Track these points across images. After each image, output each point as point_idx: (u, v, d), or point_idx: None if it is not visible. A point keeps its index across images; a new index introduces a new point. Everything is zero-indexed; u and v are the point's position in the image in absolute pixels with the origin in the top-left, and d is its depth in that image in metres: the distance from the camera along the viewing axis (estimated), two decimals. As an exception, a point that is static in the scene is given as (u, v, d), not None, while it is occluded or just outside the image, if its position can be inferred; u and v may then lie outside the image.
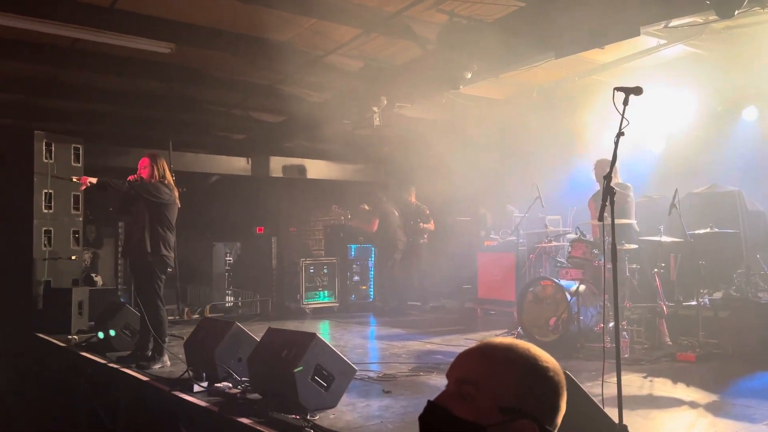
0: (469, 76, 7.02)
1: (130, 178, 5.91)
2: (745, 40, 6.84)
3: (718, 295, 6.71)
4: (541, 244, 7.48)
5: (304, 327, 8.28)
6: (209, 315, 9.40)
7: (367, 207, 10.80)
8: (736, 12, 4.92)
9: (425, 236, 10.16)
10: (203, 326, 5.57)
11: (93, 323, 7.24)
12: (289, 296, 10.20)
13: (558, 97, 9.18)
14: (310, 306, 9.94)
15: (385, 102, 8.09)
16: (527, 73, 8.07)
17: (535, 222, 8.22)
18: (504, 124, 9.93)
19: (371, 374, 5.32)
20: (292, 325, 7.79)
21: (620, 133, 3.46)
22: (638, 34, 5.70)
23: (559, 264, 7.02)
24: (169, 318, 8.71)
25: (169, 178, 6.06)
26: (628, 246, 6.20)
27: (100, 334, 6.57)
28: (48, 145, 8.19)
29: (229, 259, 11.87)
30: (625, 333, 5.92)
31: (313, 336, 4.37)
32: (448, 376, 1.31)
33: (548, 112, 9.21)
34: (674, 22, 5.96)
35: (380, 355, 6.49)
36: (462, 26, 6.58)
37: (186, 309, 9.46)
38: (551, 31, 6.06)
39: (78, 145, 8.51)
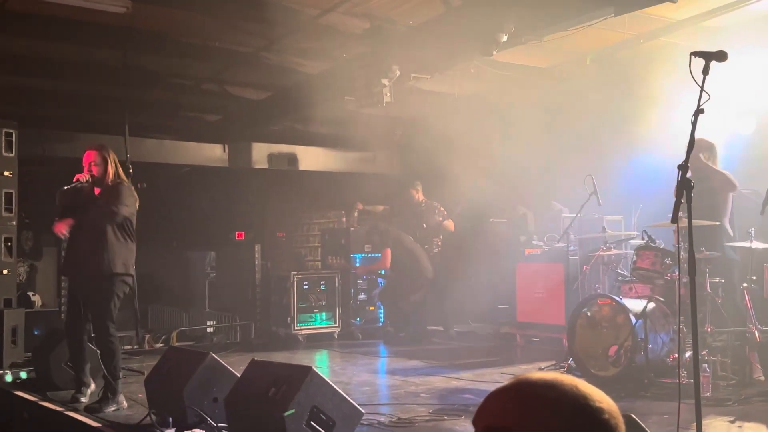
0: (505, 38, 7.01)
1: (78, 177, 5.92)
2: None
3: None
4: (597, 253, 7.45)
5: (297, 358, 8.31)
6: (176, 344, 9.43)
7: (360, 206, 10.85)
8: None
9: (438, 243, 10.15)
10: (169, 358, 5.61)
11: (30, 355, 7.28)
12: (277, 319, 10.22)
13: (618, 65, 9.14)
14: (303, 332, 9.96)
15: (398, 73, 8.08)
16: (579, 35, 8.03)
17: (590, 224, 8.19)
18: (549, 99, 9.89)
19: (382, 418, 5.32)
20: (281, 357, 7.82)
21: (699, 110, 3.45)
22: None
23: (620, 278, 6.99)
24: (126, 347, 8.80)
25: (122, 175, 6.10)
26: (708, 254, 6.15)
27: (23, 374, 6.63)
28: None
29: (210, 272, 11.94)
30: (706, 366, 5.88)
31: (307, 370, 4.38)
32: (474, 423, 1.31)
33: (605, 85, 9.17)
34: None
35: (393, 394, 6.51)
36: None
37: (147, 336, 9.51)
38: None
39: (11, 130, 8.55)
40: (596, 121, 9.33)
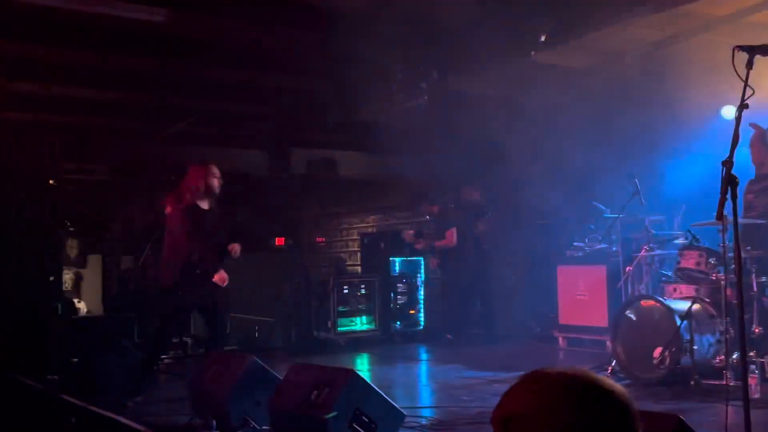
0: (544, 38, 6.99)
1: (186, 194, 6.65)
2: None
3: None
4: (640, 253, 7.36)
5: (338, 362, 8.33)
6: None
7: (411, 232, 10.76)
8: None
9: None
10: (212, 361, 5.65)
11: (76, 360, 7.42)
12: (317, 323, 10.27)
13: (658, 63, 9.03)
14: (344, 335, 9.99)
15: (436, 75, 8.11)
16: (617, 33, 7.97)
17: (633, 224, 8.09)
18: (587, 100, 9.81)
19: (424, 421, 5.33)
20: (322, 360, 7.86)
21: (743, 105, 3.40)
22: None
23: (664, 278, 6.91)
24: (170, 352, 8.92)
25: None
26: (754, 253, 6.05)
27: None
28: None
29: (251, 278, 12.01)
30: (753, 367, 5.77)
31: (349, 372, 4.40)
32: (492, 419, 1.37)
33: (645, 84, 9.07)
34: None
35: (435, 397, 6.52)
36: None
37: (189, 341, 9.61)
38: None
39: (53, 140, 8.72)
40: (636, 120, 9.23)
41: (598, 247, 8.62)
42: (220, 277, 6.55)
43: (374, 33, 8.04)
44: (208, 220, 6.66)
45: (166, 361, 8.72)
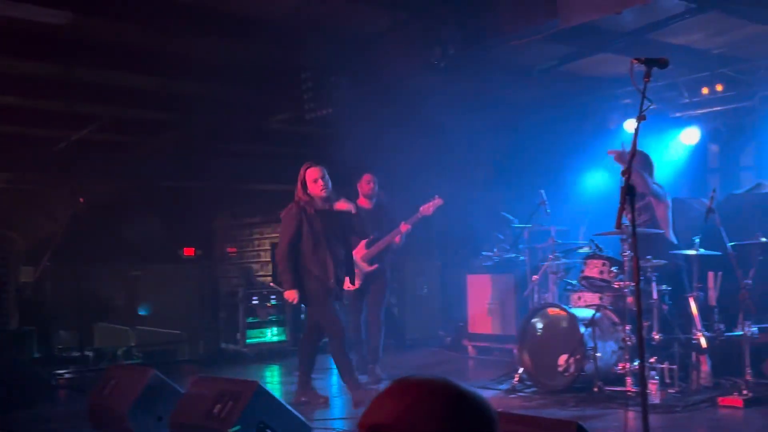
0: (449, 52, 7.05)
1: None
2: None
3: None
4: (546, 263, 7.48)
5: (246, 374, 8.18)
6: (123, 362, 9.22)
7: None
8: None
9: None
10: (111, 376, 5.46)
11: None
12: (226, 335, 10.07)
13: (565, 77, 9.25)
14: (253, 347, 9.82)
15: (346, 84, 8.10)
16: (526, 47, 8.12)
17: (540, 234, 8.23)
18: (496, 111, 9.98)
19: (332, 433, 5.26)
20: (230, 373, 7.70)
21: (641, 117, 3.47)
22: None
23: (569, 287, 7.03)
24: (72, 367, 8.59)
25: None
26: (654, 262, 6.22)
27: None
28: None
29: (158, 289, 11.70)
30: (654, 373, 5.92)
31: (254, 385, 4.30)
32: (359, 425, 1.38)
33: (552, 96, 9.28)
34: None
35: (346, 408, 6.43)
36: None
37: (91, 355, 9.29)
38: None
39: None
40: (544, 132, 9.44)
41: (507, 256, 8.74)
42: None
43: (284, 40, 7.98)
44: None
45: (66, 375, 8.40)
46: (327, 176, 6.57)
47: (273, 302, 10.03)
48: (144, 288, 12.18)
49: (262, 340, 9.92)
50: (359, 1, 7.24)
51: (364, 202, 7.73)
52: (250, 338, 9.82)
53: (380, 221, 7.77)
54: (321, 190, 6.48)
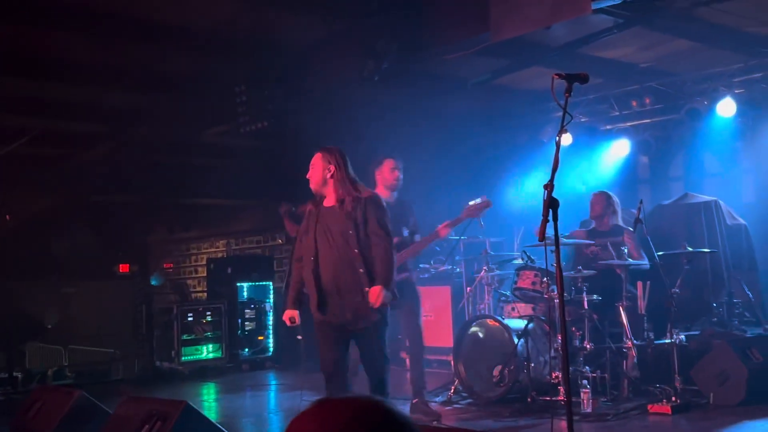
0: (384, 63, 7.09)
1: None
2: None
3: (696, 330, 6.95)
4: (481, 274, 7.55)
5: (181, 393, 8.05)
6: (53, 383, 8.97)
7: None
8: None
9: None
10: (37, 398, 5.32)
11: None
12: (160, 353, 9.88)
13: (499, 90, 9.37)
14: (188, 365, 9.66)
15: (282, 96, 8.07)
16: (461, 60, 8.21)
17: (476, 246, 8.30)
18: (432, 123, 10.06)
19: (264, 451, 5.20)
20: (165, 392, 7.56)
21: (562, 131, 3.52)
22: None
23: (503, 298, 7.09)
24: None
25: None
26: (585, 273, 6.33)
27: None
28: None
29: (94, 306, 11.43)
30: (585, 381, 6.01)
31: (181, 404, 4.23)
32: None
33: (487, 109, 9.39)
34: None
35: (283, 425, 6.37)
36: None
37: (19, 376, 9.03)
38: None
39: None
40: (478, 145, 9.54)
41: (443, 268, 8.78)
42: None
43: (219, 51, 7.92)
44: None
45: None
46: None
47: (209, 319, 9.90)
48: (77, 305, 11.91)
49: (198, 357, 9.77)
50: (294, 13, 7.23)
51: (384, 194, 6.18)
52: (186, 356, 9.65)
53: (405, 219, 6.64)
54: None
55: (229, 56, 8.11)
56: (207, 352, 9.83)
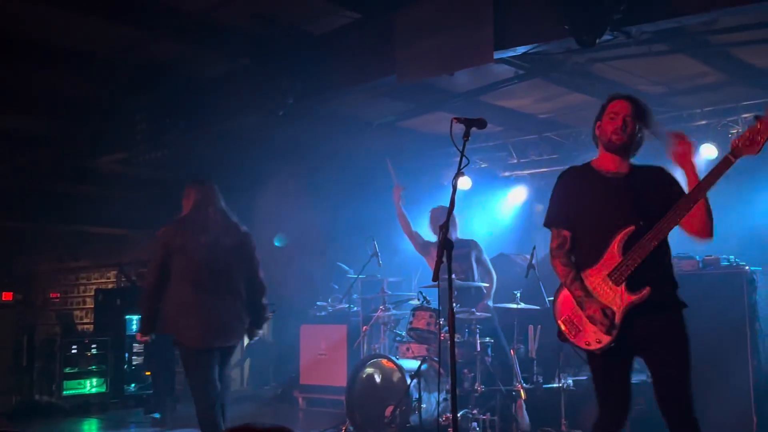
0: (291, 100, 7.11)
1: None
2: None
3: (584, 375, 7.12)
4: (377, 313, 7.57)
5: (61, 429, 7.75)
6: None
7: None
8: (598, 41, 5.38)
9: None
10: None
11: None
12: (41, 386, 9.43)
13: (401, 133, 9.53)
14: (70, 399, 9.23)
15: (182, 126, 7.98)
16: (365, 102, 8.33)
17: (373, 285, 8.33)
18: (333, 165, 10.13)
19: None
20: (43, 428, 7.23)
21: (459, 174, 3.59)
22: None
23: (398, 338, 7.11)
24: None
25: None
26: (478, 315, 6.43)
27: None
28: None
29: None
30: (475, 424, 6.07)
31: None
32: None
33: (388, 152, 9.48)
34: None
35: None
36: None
37: None
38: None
39: None
40: (378, 186, 9.62)
41: (340, 306, 8.78)
42: None
43: (118, 78, 7.76)
44: None
45: None
46: None
47: (94, 351, 9.53)
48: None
49: (81, 391, 9.36)
50: (199, 45, 7.18)
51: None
52: (68, 389, 9.24)
53: None
54: None
55: (131, 85, 7.97)
56: (91, 386, 9.44)
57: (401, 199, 7.39)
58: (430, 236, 7.33)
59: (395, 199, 7.39)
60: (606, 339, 3.50)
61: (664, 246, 3.57)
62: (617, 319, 3.47)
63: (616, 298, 3.49)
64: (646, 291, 3.43)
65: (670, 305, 3.56)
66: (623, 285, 3.48)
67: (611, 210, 3.60)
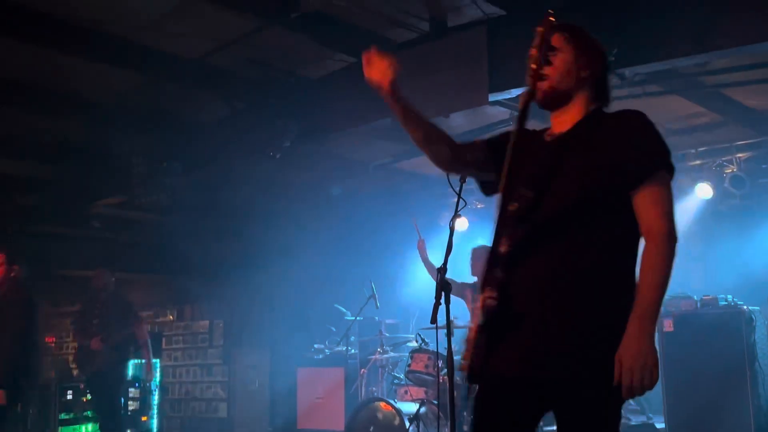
0: (289, 143, 7.16)
1: None
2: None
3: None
4: (375, 356, 7.53)
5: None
6: None
7: None
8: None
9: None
10: None
11: None
12: (36, 432, 9.35)
13: (397, 174, 9.58)
14: (66, 447, 9.17)
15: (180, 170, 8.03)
16: (362, 144, 8.39)
17: (370, 327, 8.30)
18: (333, 206, 10.17)
19: None
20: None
21: (456, 216, 3.60)
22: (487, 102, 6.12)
23: (396, 381, 7.07)
24: None
25: None
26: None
27: None
28: None
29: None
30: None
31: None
32: None
33: (386, 194, 9.54)
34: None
35: None
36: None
37: None
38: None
39: None
40: (376, 227, 9.66)
41: (337, 349, 8.74)
42: None
43: (117, 122, 7.82)
44: None
45: None
46: None
47: (90, 397, 9.46)
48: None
49: (76, 436, 9.30)
50: (197, 89, 7.25)
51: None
52: (64, 436, 9.18)
53: None
54: None
55: (129, 128, 8.03)
56: (85, 431, 9.37)
57: (425, 251, 7.41)
58: (467, 277, 7.23)
59: (420, 251, 7.42)
60: None
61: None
62: None
63: None
64: None
65: None
66: None
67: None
